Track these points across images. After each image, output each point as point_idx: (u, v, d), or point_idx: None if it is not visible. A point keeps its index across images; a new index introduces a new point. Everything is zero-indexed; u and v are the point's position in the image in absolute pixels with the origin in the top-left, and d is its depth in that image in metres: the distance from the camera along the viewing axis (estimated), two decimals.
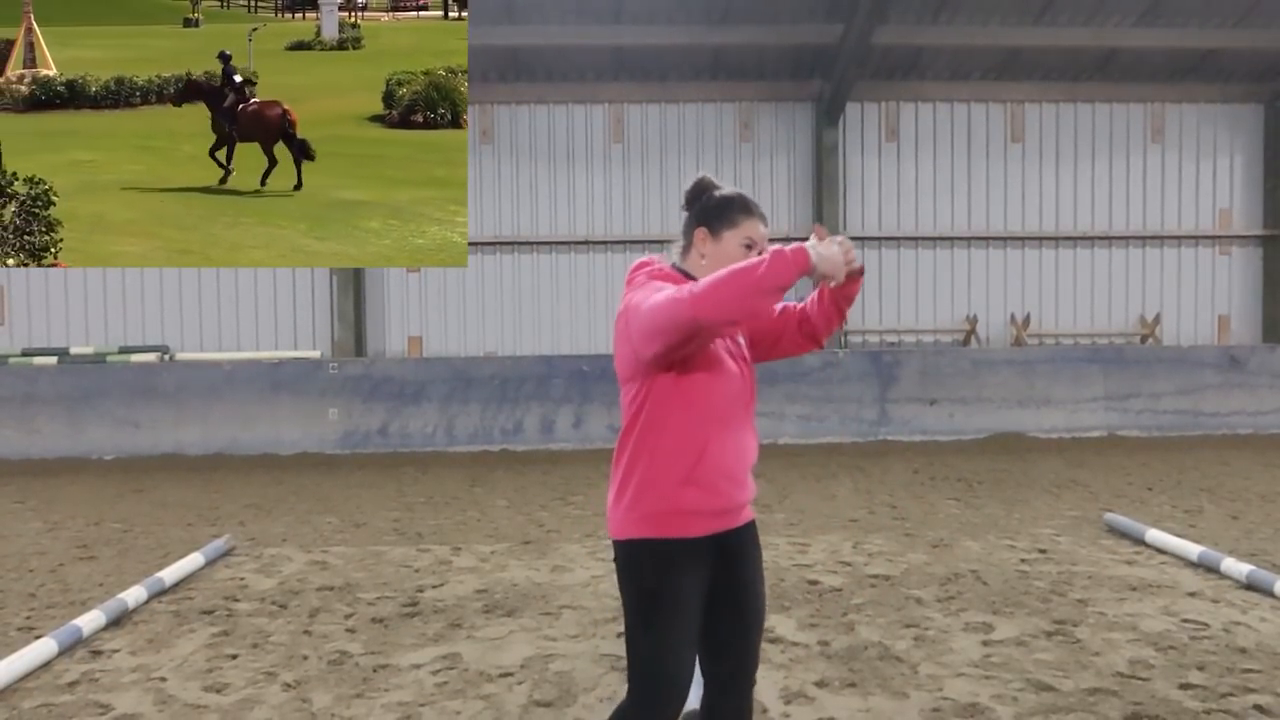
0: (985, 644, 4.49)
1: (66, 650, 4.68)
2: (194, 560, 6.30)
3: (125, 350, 12.89)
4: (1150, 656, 4.28)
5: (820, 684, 4.04)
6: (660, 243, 13.28)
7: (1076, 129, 13.79)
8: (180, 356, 13.00)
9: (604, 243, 13.40)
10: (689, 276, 2.45)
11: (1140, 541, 6.41)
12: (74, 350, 12.86)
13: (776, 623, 4.89)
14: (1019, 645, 4.46)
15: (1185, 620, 4.78)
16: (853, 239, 13.34)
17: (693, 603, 2.40)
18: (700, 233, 2.48)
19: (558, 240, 13.41)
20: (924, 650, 4.42)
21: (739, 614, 2.51)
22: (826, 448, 11.83)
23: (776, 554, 6.41)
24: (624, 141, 13.48)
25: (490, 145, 13.32)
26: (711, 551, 2.44)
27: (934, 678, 4.08)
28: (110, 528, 7.92)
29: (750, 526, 2.57)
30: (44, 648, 4.55)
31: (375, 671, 4.39)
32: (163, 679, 4.34)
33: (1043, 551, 6.32)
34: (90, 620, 4.97)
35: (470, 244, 12.80)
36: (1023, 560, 6.09)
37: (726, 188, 2.54)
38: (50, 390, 11.87)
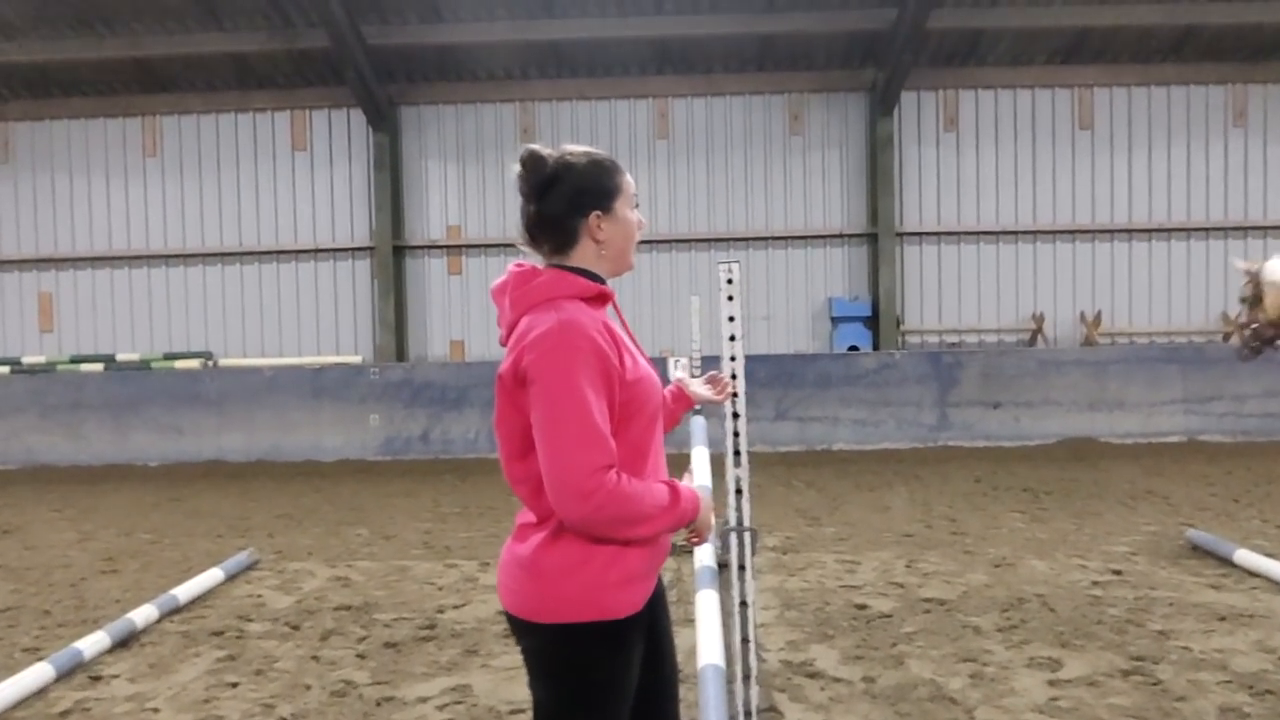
0: (1052, 684, 3.99)
1: (66, 675, 4.46)
2: (213, 576, 6.09)
3: (170, 356, 12.88)
4: (1244, 703, 3.74)
5: None
6: (706, 242, 12.95)
7: (1150, 114, 13.00)
8: (223, 362, 12.95)
9: (648, 242, 13.00)
10: (597, 279, 1.98)
11: (1227, 562, 5.80)
12: (120, 357, 12.89)
13: (818, 654, 4.46)
14: (1090, 686, 3.95)
15: None
16: (910, 234, 12.91)
17: (636, 679, 1.98)
18: (593, 218, 1.96)
19: None
20: (981, 691, 3.94)
21: (659, 667, 2.09)
22: (882, 454, 11.27)
23: (823, 573, 5.96)
24: (669, 137, 13.08)
25: (532, 142, 13.00)
26: (647, 612, 2.00)
27: None
28: (140, 539, 7.78)
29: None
30: (40, 673, 4.33)
31: (378, 705, 4.06)
32: (156, 710, 4.09)
33: (1117, 573, 5.75)
34: (94, 642, 4.75)
35: (508, 245, 12.53)
36: (1095, 583, 5.54)
37: (566, 151, 2.00)
38: (97, 397, 11.88)
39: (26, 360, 12.94)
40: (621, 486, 1.80)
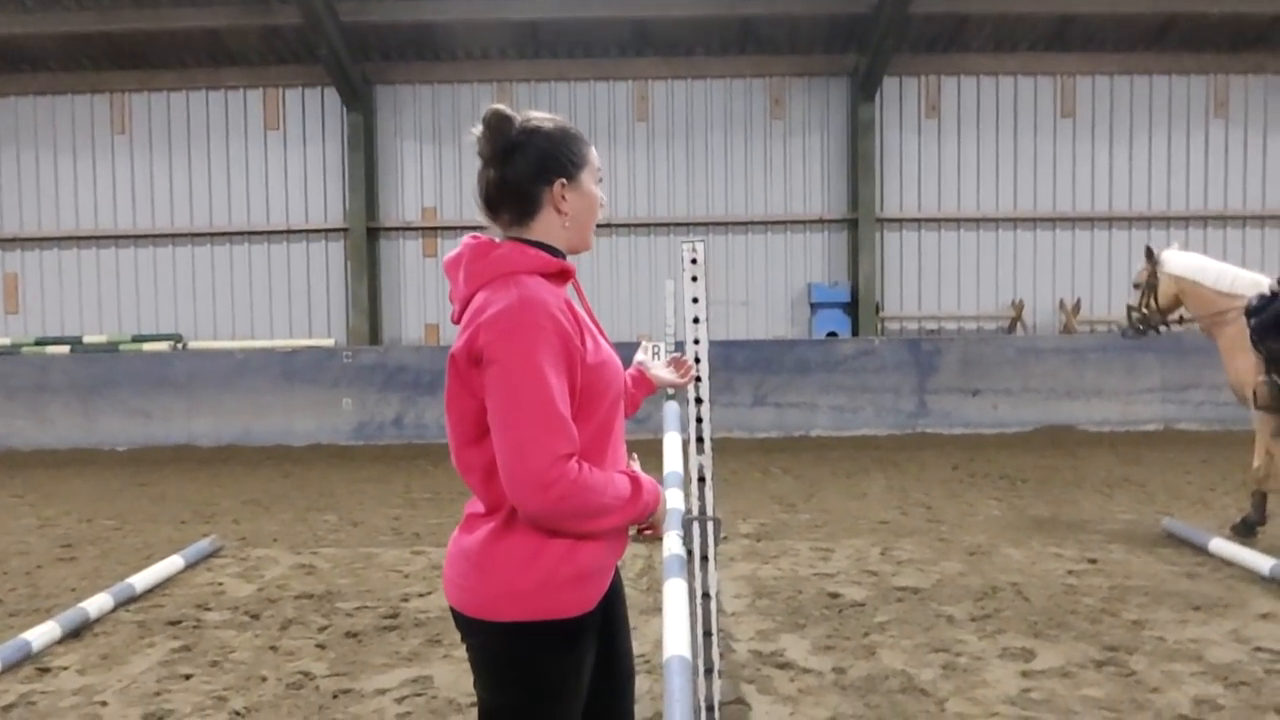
0: (1024, 674, 3.91)
1: (13, 666, 4.31)
2: (173, 564, 5.94)
3: (138, 338, 12.63)
4: (1219, 694, 3.68)
5: None
6: (685, 226, 12.81)
7: (1132, 102, 12.94)
8: (192, 345, 12.72)
9: (627, 225, 12.86)
10: (559, 254, 1.86)
11: (1203, 551, 5.75)
12: (87, 339, 12.63)
13: (789, 644, 4.37)
14: (1064, 677, 3.88)
15: (1259, 649, 4.16)
16: (890, 220, 12.82)
17: (588, 680, 1.87)
18: (558, 186, 1.83)
19: None
20: (953, 682, 3.86)
21: (614, 669, 1.98)
22: (860, 441, 11.22)
23: (796, 561, 5.88)
24: (648, 120, 12.91)
25: None
26: (600, 611, 1.87)
27: (963, 717, 3.52)
28: (101, 525, 7.61)
29: (617, 569, 2.04)
30: None
31: (335, 698, 3.94)
32: (104, 703, 3.95)
33: (1092, 561, 5.70)
34: (43, 633, 4.59)
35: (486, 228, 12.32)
36: (1070, 572, 5.48)
37: (532, 115, 1.87)
38: (63, 380, 11.64)
39: None
40: (583, 477, 1.70)
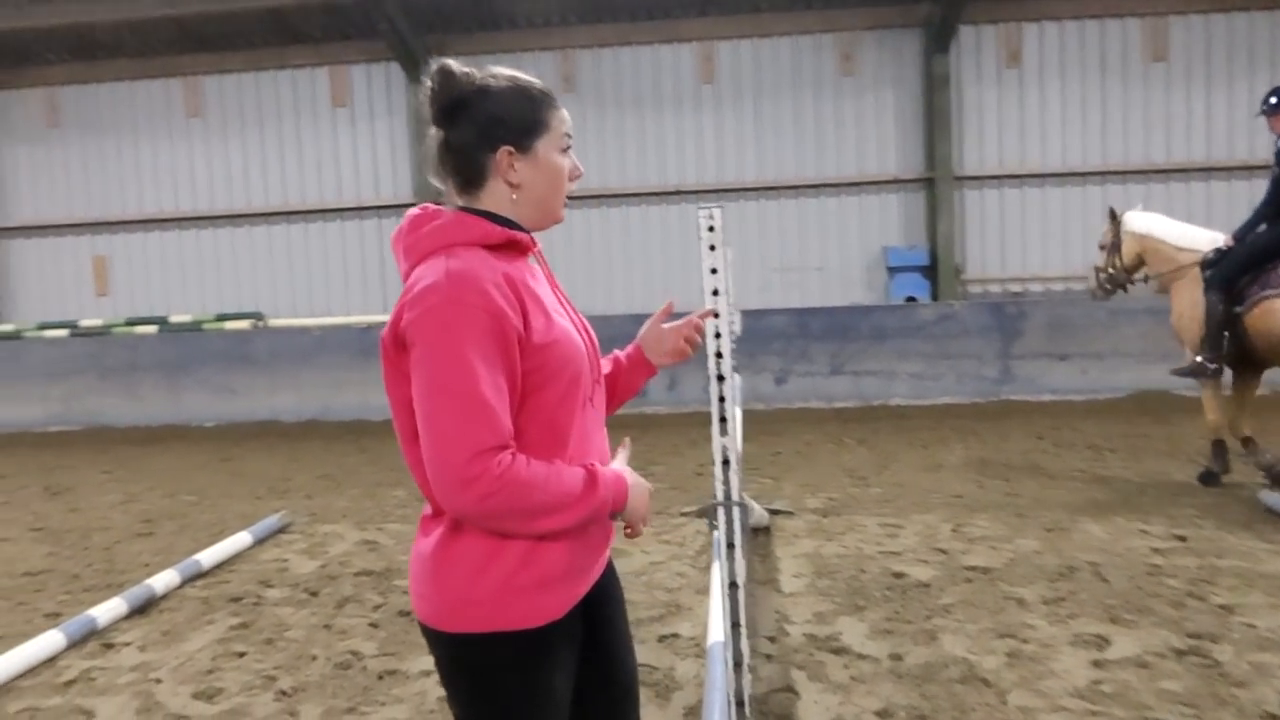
0: (1096, 664, 3.66)
1: (78, 643, 4.42)
2: (241, 540, 6.04)
3: (221, 317, 12.98)
4: None
5: (882, 714, 3.32)
6: (755, 190, 12.50)
7: (1231, 44, 12.10)
8: (273, 322, 13.00)
9: (696, 191, 12.62)
10: (509, 224, 1.67)
11: None
12: (173, 318, 13.03)
13: (845, 627, 4.19)
14: (1140, 668, 3.61)
15: None
16: (970, 179, 12.27)
17: (567, 696, 1.71)
18: (504, 155, 1.64)
19: (646, 191, 12.70)
20: (1018, 671, 3.63)
21: (610, 684, 1.82)
22: (940, 409, 10.82)
23: (862, 538, 5.66)
24: (714, 82, 12.61)
25: (573, 93, 12.67)
26: (578, 619, 1.72)
27: (1025, 711, 3.30)
28: (181, 500, 7.81)
29: (610, 568, 1.87)
30: (50, 642, 4.30)
31: (380, 679, 3.93)
32: (158, 680, 4.02)
33: (1181, 539, 5.33)
34: (110, 609, 4.71)
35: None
36: (1155, 550, 5.14)
37: (487, 73, 1.70)
38: (151, 358, 12.03)
39: (84, 323, 13.16)
40: (514, 472, 1.51)
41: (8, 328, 13.29)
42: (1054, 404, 10.79)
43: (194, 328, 12.74)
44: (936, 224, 12.17)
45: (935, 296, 12.14)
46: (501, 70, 1.70)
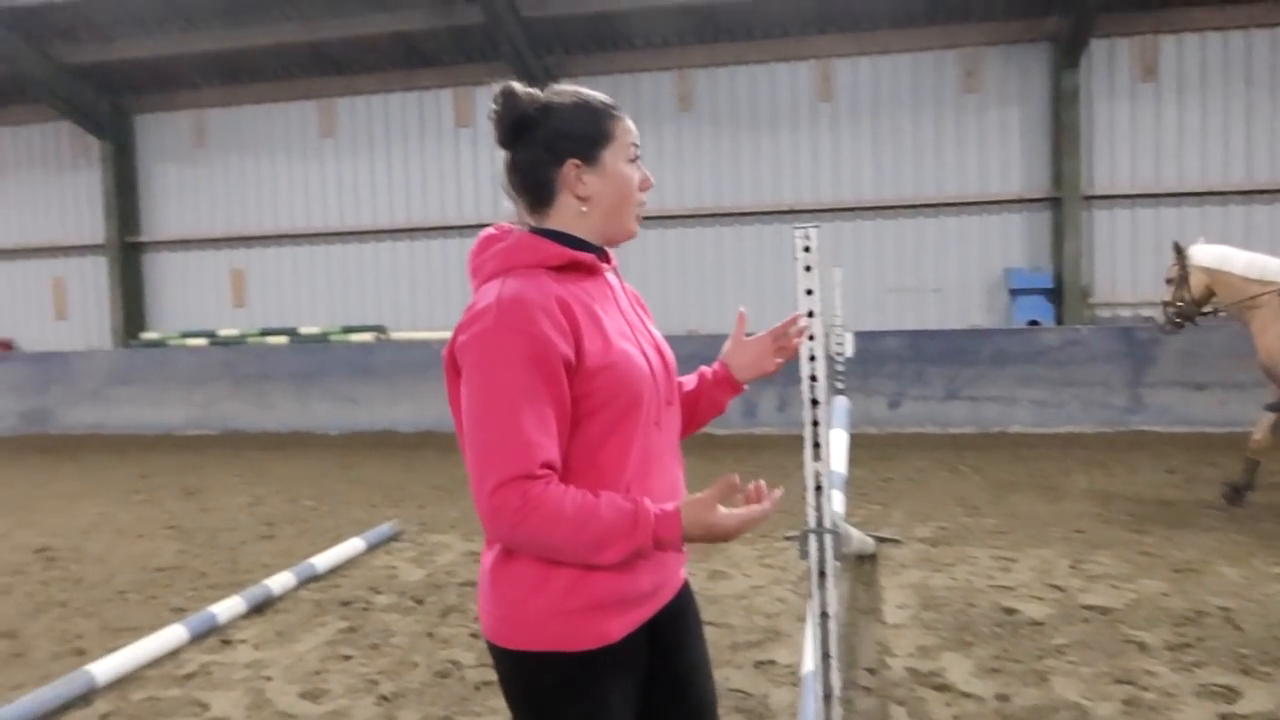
0: (1224, 718, 3.41)
1: (200, 638, 4.65)
2: (355, 545, 6.25)
3: (347, 329, 13.52)
4: None
5: None
6: (873, 210, 12.28)
7: None
8: (395, 335, 13.47)
9: (813, 211, 12.47)
10: (575, 244, 1.66)
11: None
12: (302, 330, 13.65)
13: (950, 663, 4.03)
14: None
15: None
16: (1100, 198, 11.75)
17: (626, 718, 1.68)
18: (570, 168, 1.65)
19: (763, 210, 12.63)
20: None
21: (677, 707, 1.78)
22: (1063, 438, 10.34)
23: (973, 571, 5.45)
24: (833, 100, 12.46)
25: (689, 112, 12.73)
26: (640, 644, 1.69)
27: None
28: (302, 505, 8.13)
29: (684, 590, 1.82)
30: (173, 635, 4.52)
31: (477, 689, 3.99)
32: (269, 678, 4.19)
33: None
34: (229, 607, 4.94)
35: (670, 216, 12.31)
36: None
37: (550, 90, 1.71)
38: (282, 368, 12.61)
39: (222, 333, 13.93)
40: (543, 503, 1.48)
41: (153, 335, 14.18)
42: (1188, 436, 10.16)
43: (321, 339, 13.32)
44: (1063, 244, 11.69)
45: (1060, 320, 11.64)
46: (565, 87, 1.73)
